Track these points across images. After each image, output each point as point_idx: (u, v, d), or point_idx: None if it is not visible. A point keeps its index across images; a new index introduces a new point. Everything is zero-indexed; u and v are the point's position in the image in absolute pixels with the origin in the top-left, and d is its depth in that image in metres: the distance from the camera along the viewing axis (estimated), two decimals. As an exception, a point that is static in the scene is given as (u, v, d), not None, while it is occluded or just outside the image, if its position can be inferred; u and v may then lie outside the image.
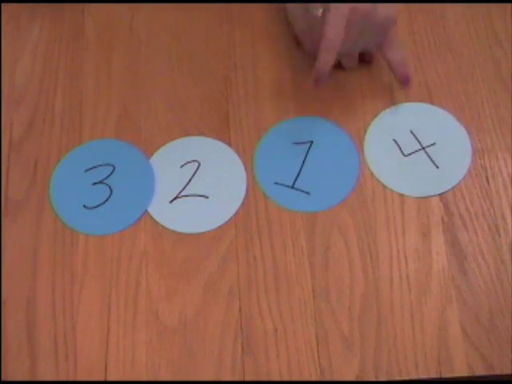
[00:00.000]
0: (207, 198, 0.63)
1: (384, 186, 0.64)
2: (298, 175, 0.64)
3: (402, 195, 0.64)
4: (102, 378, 0.57)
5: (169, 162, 0.65)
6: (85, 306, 0.59)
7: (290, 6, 0.67)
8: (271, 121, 0.67)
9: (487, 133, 0.67)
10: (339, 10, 0.59)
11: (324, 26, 0.59)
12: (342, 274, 0.60)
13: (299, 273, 0.60)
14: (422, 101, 0.68)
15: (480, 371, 0.57)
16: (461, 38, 0.71)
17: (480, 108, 0.68)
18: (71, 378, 0.57)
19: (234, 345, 0.58)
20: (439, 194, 0.64)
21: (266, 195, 0.63)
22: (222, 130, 0.66)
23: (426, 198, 0.64)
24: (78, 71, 0.69)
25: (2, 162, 0.64)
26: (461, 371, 0.57)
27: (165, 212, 0.63)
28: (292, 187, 0.64)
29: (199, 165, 0.65)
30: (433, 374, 0.57)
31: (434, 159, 0.65)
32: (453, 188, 0.64)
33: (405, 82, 0.66)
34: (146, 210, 0.63)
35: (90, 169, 0.64)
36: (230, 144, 0.66)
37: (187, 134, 0.66)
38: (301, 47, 0.69)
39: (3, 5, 0.72)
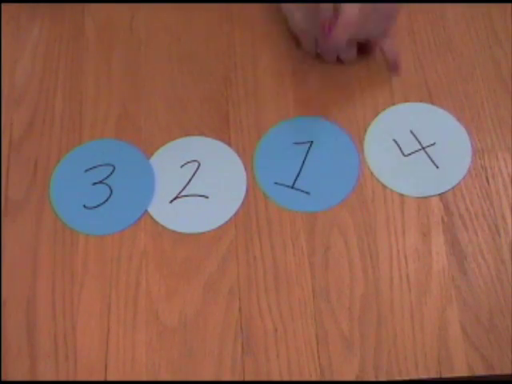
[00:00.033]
0: (207, 198, 0.63)
1: (384, 186, 0.64)
2: (297, 175, 0.64)
3: (402, 195, 0.64)
4: (102, 378, 0.57)
5: (169, 162, 0.65)
6: (85, 306, 0.59)
7: (288, 6, 0.67)
8: (271, 121, 0.67)
9: (487, 133, 0.67)
10: None
11: (342, 5, 0.60)
12: (342, 274, 0.60)
13: (299, 273, 0.60)
14: (421, 101, 0.68)
15: (480, 371, 0.57)
16: (461, 37, 0.71)
17: (480, 108, 0.68)
18: (71, 378, 0.57)
19: (234, 345, 0.58)
20: (439, 194, 0.64)
21: (265, 195, 0.63)
22: (222, 130, 0.66)
23: (425, 197, 0.64)
24: (78, 71, 0.69)
25: (2, 162, 0.64)
26: (461, 371, 0.57)
27: (165, 212, 0.63)
28: (292, 187, 0.64)
29: (199, 165, 0.65)
30: (433, 374, 0.57)
31: (433, 159, 0.65)
32: (453, 188, 0.64)
33: (393, 67, 0.67)
34: (146, 210, 0.63)
35: (90, 169, 0.64)
36: (230, 144, 0.66)
37: (187, 134, 0.66)
38: (300, 47, 0.69)
39: (3, 5, 0.72)
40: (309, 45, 0.67)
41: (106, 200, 0.63)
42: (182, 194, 0.63)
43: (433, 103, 0.68)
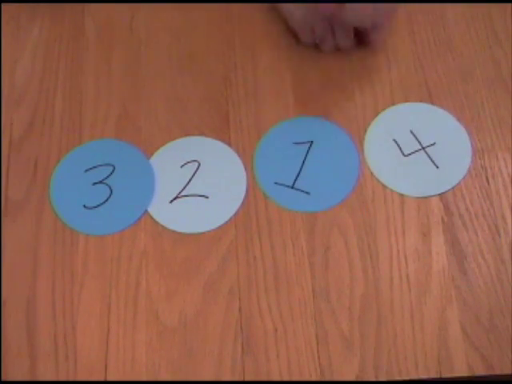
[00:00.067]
0: (207, 198, 0.63)
1: (384, 186, 0.64)
2: (297, 175, 0.64)
3: (402, 195, 0.64)
4: (102, 378, 0.57)
5: (169, 161, 0.65)
6: (85, 306, 0.59)
7: (288, 6, 0.68)
8: (271, 121, 0.67)
9: (487, 133, 0.67)
10: None
11: None
12: (342, 274, 0.60)
13: (299, 273, 0.60)
14: (421, 101, 0.68)
15: (480, 371, 0.57)
16: (461, 37, 0.71)
17: (480, 108, 0.68)
18: (71, 378, 0.57)
19: (234, 345, 0.58)
20: (439, 194, 0.64)
21: (266, 195, 0.63)
22: (222, 130, 0.66)
23: (425, 197, 0.64)
24: (78, 71, 0.69)
25: (2, 162, 0.64)
26: (461, 371, 0.57)
27: (165, 212, 0.63)
28: (292, 187, 0.64)
29: (199, 165, 0.65)
30: (433, 374, 0.57)
31: (434, 159, 0.65)
32: (453, 188, 0.64)
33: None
34: (146, 210, 0.63)
35: (90, 169, 0.64)
36: (230, 144, 0.66)
37: (187, 134, 0.66)
38: (300, 42, 0.69)
39: (3, 5, 0.72)
40: (307, 37, 0.68)
41: (106, 200, 0.63)
42: (182, 193, 0.63)
43: (433, 103, 0.68)
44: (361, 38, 0.68)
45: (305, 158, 0.65)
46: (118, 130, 0.66)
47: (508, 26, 0.72)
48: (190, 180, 0.64)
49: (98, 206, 0.63)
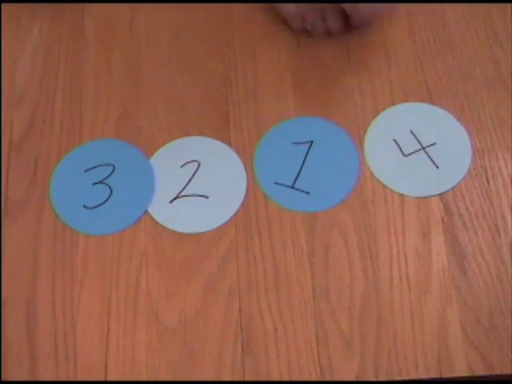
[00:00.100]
0: (207, 198, 0.63)
1: (384, 186, 0.64)
2: (297, 175, 0.64)
3: (402, 195, 0.64)
4: (102, 378, 0.57)
5: (169, 161, 0.65)
6: (85, 305, 0.59)
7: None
8: (271, 121, 0.67)
9: (487, 133, 0.67)
10: None
11: None
12: (342, 274, 0.60)
13: (299, 273, 0.60)
14: (421, 101, 0.68)
15: (480, 371, 0.57)
16: (461, 37, 0.71)
17: (480, 108, 0.68)
18: (71, 378, 0.57)
19: (234, 345, 0.58)
20: (439, 194, 0.64)
21: (266, 195, 0.63)
22: (222, 130, 0.66)
23: (426, 197, 0.64)
24: (78, 71, 0.69)
25: (2, 162, 0.64)
26: (461, 371, 0.57)
27: (165, 212, 0.63)
28: (292, 187, 0.64)
29: (199, 165, 0.65)
30: (433, 374, 0.57)
31: (434, 159, 0.65)
32: (453, 188, 0.64)
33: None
34: (146, 210, 0.63)
35: (90, 169, 0.64)
36: (230, 144, 0.66)
37: (187, 134, 0.66)
38: (289, 25, 0.70)
39: (3, 5, 0.72)
40: (298, 23, 0.69)
41: (106, 200, 0.63)
42: (182, 194, 0.63)
43: (433, 103, 0.68)
44: (349, 21, 0.69)
45: (305, 158, 0.65)
46: (117, 129, 0.66)
47: (508, 26, 0.72)
48: (189, 180, 0.64)
49: (98, 205, 0.63)
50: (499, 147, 0.66)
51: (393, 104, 0.68)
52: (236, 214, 0.62)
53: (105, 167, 0.64)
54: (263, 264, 0.61)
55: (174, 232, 0.62)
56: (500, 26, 0.72)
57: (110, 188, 0.63)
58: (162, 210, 0.63)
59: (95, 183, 0.64)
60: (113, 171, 0.64)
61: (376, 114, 0.67)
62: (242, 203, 0.63)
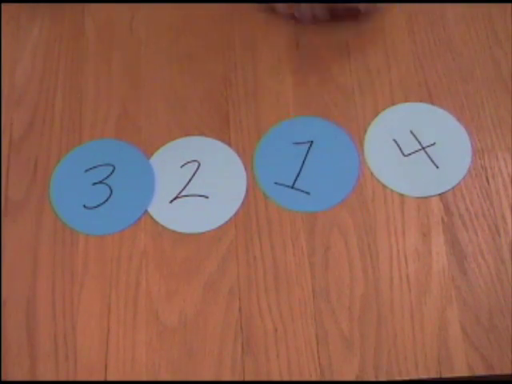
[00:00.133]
0: (207, 198, 0.63)
1: (384, 186, 0.64)
2: (297, 175, 0.64)
3: (402, 195, 0.64)
4: (102, 378, 0.57)
5: (169, 161, 0.65)
6: (85, 305, 0.59)
7: None
8: (271, 121, 0.67)
9: (487, 133, 0.67)
10: None
11: None
12: (342, 274, 0.60)
13: (299, 273, 0.60)
14: (421, 101, 0.68)
15: (480, 371, 0.57)
16: (461, 37, 0.71)
17: (480, 108, 0.68)
18: (71, 378, 0.57)
19: (234, 345, 0.58)
20: (439, 194, 0.64)
21: (266, 195, 0.63)
22: (222, 130, 0.66)
23: (426, 197, 0.64)
24: (78, 71, 0.69)
25: (2, 162, 0.64)
26: (461, 371, 0.57)
27: (165, 212, 0.63)
28: (292, 187, 0.64)
29: (199, 165, 0.65)
30: (433, 374, 0.57)
31: (433, 159, 0.65)
32: (453, 188, 0.64)
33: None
34: (146, 210, 0.63)
35: (90, 169, 0.64)
36: (230, 144, 0.66)
37: (187, 134, 0.66)
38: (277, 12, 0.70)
39: (3, 5, 0.72)
40: (284, 8, 0.69)
41: (106, 200, 0.63)
42: (182, 193, 0.63)
43: (433, 103, 0.68)
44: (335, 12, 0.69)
45: (305, 158, 0.65)
46: (118, 130, 0.66)
47: (508, 26, 0.72)
48: (190, 180, 0.64)
49: (98, 206, 0.63)
50: (499, 147, 0.66)
51: (393, 104, 0.68)
52: (236, 214, 0.63)
53: (105, 167, 0.64)
54: (263, 264, 0.61)
55: (174, 232, 0.62)
56: (500, 26, 0.72)
57: (109, 188, 0.63)
58: (161, 210, 0.63)
59: (95, 183, 0.64)
60: (113, 171, 0.64)
61: (376, 114, 0.67)
62: (242, 203, 0.63)
